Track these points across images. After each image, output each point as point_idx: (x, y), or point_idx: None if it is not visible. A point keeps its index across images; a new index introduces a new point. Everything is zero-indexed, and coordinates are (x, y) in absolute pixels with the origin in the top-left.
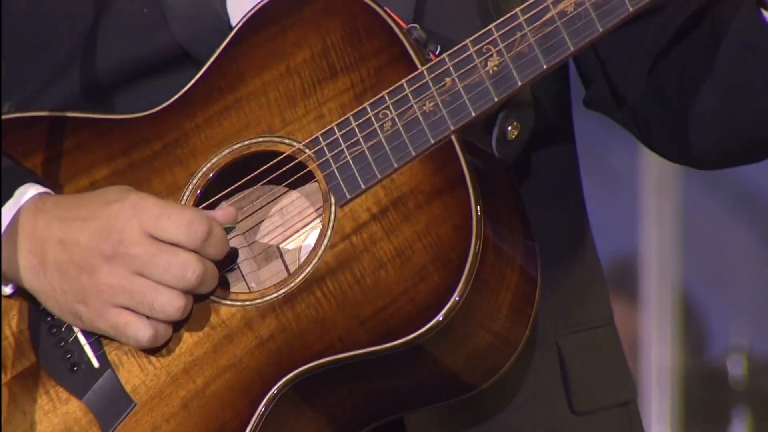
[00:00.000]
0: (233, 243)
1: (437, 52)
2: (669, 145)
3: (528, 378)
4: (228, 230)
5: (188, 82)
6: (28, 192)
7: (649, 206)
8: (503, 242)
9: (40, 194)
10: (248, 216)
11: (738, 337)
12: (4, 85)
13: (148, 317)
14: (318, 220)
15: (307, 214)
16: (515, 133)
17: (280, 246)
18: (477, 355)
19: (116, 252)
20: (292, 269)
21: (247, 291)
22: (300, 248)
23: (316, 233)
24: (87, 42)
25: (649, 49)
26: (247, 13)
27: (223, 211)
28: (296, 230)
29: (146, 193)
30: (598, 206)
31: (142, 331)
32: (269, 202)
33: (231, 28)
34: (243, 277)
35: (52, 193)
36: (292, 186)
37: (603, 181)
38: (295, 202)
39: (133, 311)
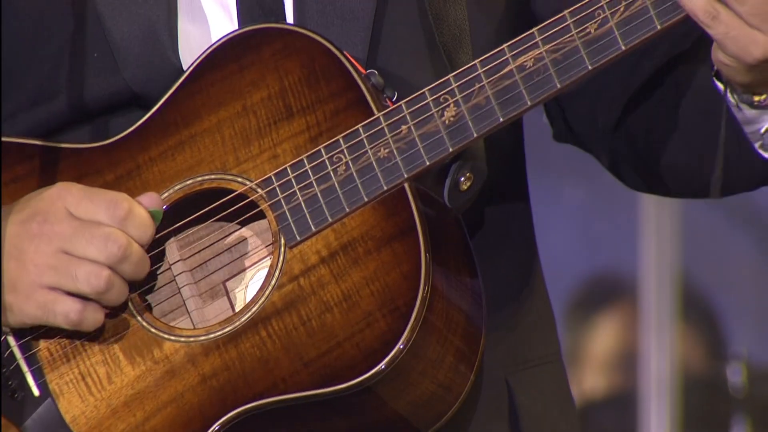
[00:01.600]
0: (181, 280)
1: (394, 99)
2: (637, 181)
3: (477, 415)
4: (155, 216)
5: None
6: None
7: (648, 215)
8: (451, 292)
9: None
10: (197, 252)
11: (737, 346)
12: None
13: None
14: (267, 259)
15: (256, 253)
16: (468, 184)
17: (227, 284)
18: (420, 402)
19: (41, 230)
20: (237, 308)
21: (192, 327)
22: (246, 287)
23: (264, 273)
24: (49, 81)
25: (612, 102)
26: (206, 49)
27: (148, 195)
28: (244, 269)
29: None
30: (597, 215)
31: (69, 305)
32: (219, 239)
33: (182, 72)
34: (188, 313)
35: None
36: (243, 224)
37: (603, 189)
38: (245, 240)
39: (62, 292)
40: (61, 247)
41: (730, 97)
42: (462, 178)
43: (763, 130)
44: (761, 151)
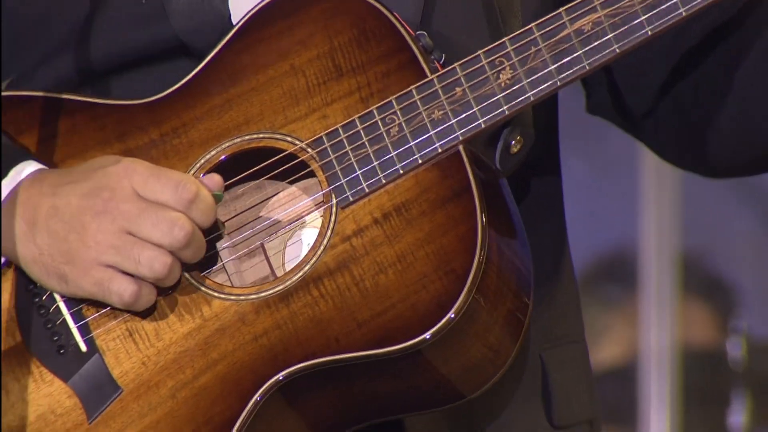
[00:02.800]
0: (220, 242)
1: (442, 62)
2: (682, 155)
3: (513, 390)
4: (216, 198)
5: (182, 75)
6: (26, 169)
7: (648, 188)
8: (503, 255)
9: (38, 170)
10: (240, 213)
11: (737, 319)
12: (3, 63)
13: (133, 276)
14: (314, 220)
15: (303, 213)
16: (518, 147)
17: (267, 245)
18: (470, 365)
19: (106, 208)
20: (277, 270)
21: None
22: (285, 249)
23: (307, 233)
24: (84, 26)
25: (661, 62)
26: (254, 6)
27: (210, 178)
28: (289, 230)
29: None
30: (598, 189)
31: (125, 285)
32: (264, 200)
33: (232, 25)
34: (227, 274)
35: (48, 169)
36: (290, 184)
37: (603, 163)
38: (291, 200)
39: (119, 271)
40: (125, 227)
41: None
42: (513, 142)
43: None
44: None
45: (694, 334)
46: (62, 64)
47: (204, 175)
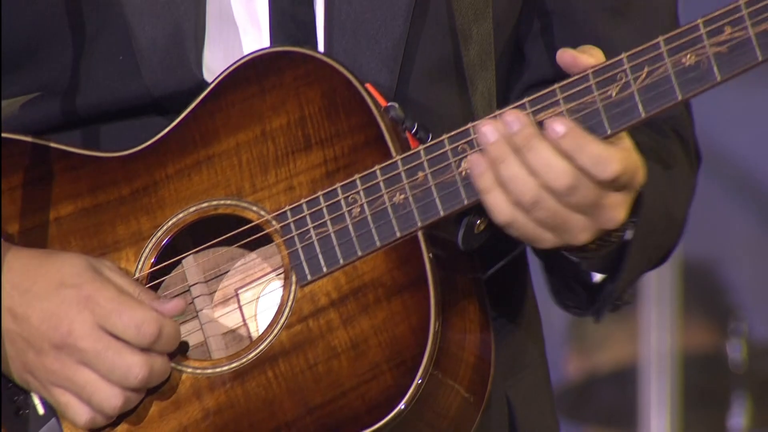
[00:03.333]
0: (198, 303)
1: (413, 131)
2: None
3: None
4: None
5: (155, 132)
6: None
7: None
8: (460, 345)
9: None
10: (215, 277)
11: (738, 322)
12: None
13: None
14: (277, 289)
15: (268, 281)
16: (482, 226)
17: (239, 294)
18: None
19: (64, 342)
20: (251, 327)
21: (208, 352)
22: (257, 300)
23: (271, 302)
24: (70, 71)
25: None
26: (229, 66)
27: (172, 305)
28: (254, 280)
29: (100, 283)
30: None
31: (80, 414)
32: (235, 263)
33: (206, 85)
34: (205, 338)
35: (10, 252)
36: (255, 250)
37: None
38: (258, 265)
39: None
40: (83, 362)
41: None
42: (477, 221)
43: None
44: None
45: (694, 337)
46: (49, 105)
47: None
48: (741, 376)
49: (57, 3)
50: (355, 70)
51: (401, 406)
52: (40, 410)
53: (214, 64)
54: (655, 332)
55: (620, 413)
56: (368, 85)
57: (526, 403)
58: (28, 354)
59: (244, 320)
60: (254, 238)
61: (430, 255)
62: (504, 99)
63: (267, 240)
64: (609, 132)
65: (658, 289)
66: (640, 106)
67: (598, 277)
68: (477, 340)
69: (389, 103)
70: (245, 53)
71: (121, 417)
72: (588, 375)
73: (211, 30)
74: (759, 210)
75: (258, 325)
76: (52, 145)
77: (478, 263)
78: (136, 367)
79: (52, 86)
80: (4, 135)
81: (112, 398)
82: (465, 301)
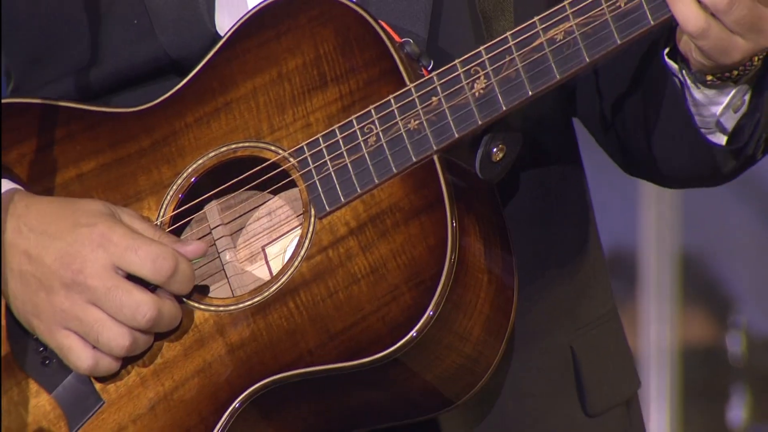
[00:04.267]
0: (221, 244)
1: (429, 68)
2: (626, 168)
3: (544, 383)
4: (194, 262)
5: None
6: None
7: (648, 186)
8: (479, 265)
9: (11, 190)
10: (237, 217)
11: (737, 315)
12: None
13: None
14: (298, 228)
15: (290, 221)
16: (500, 155)
17: (266, 249)
18: (446, 375)
19: (75, 281)
20: (273, 266)
21: (230, 293)
22: (284, 254)
23: (294, 235)
24: (84, 48)
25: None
26: (244, 15)
27: (193, 247)
28: (280, 235)
29: (112, 222)
30: (597, 185)
31: (82, 359)
32: (257, 206)
33: (218, 38)
34: (227, 279)
35: (23, 190)
36: (279, 191)
37: (602, 159)
38: (280, 207)
39: (82, 338)
40: (92, 300)
41: (687, 78)
42: (494, 149)
43: (719, 112)
44: (712, 138)
45: (693, 330)
46: (64, 86)
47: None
48: (740, 370)
49: None
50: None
51: (424, 319)
52: None
53: (227, 19)
54: (654, 325)
55: None
56: (382, 23)
57: (592, 357)
58: (39, 294)
59: (266, 260)
60: (272, 175)
61: (447, 178)
62: None
63: (290, 181)
64: (619, 42)
65: (657, 283)
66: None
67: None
68: (498, 266)
69: (404, 39)
70: (250, 7)
71: (148, 360)
72: None
73: None
74: (758, 203)
75: (280, 264)
76: (69, 105)
77: (500, 201)
78: (144, 305)
79: (78, 64)
80: (19, 100)
81: (119, 337)
82: (485, 229)
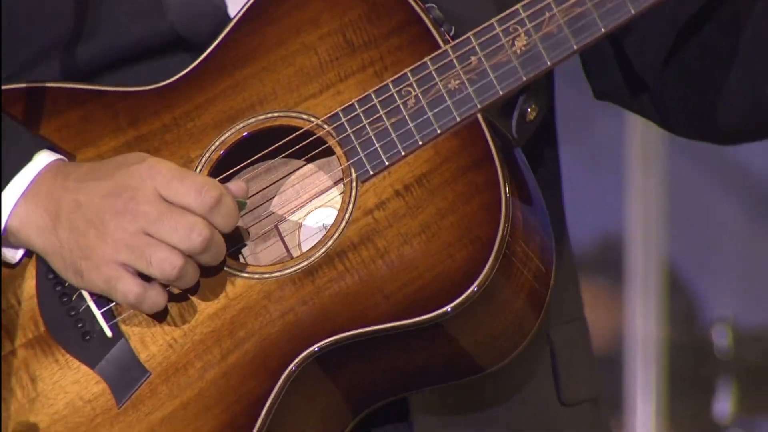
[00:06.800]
0: (241, 220)
1: (452, 34)
2: (692, 123)
3: (523, 369)
4: (240, 205)
5: (181, 69)
6: (45, 158)
7: (634, 178)
8: (526, 223)
9: (57, 160)
10: (260, 191)
11: (723, 308)
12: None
13: (143, 279)
14: (332, 196)
15: (319, 190)
16: (533, 114)
17: (282, 225)
18: (496, 334)
19: (126, 208)
20: (291, 248)
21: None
22: (299, 229)
23: (323, 212)
24: (83, 21)
25: (667, 28)
26: None
27: (236, 185)
28: (307, 208)
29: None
30: (583, 179)
31: (130, 286)
32: (283, 177)
33: (229, 17)
34: (245, 259)
35: (67, 160)
36: (306, 161)
37: (588, 153)
38: (310, 177)
39: (131, 271)
40: (144, 227)
41: None
42: (528, 109)
43: None
44: None
45: (679, 323)
46: (60, 60)
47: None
48: (727, 363)
49: None
50: None
51: (483, 276)
52: (108, 333)
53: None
54: (641, 318)
55: (606, 399)
56: None
57: (567, 348)
58: (89, 233)
59: (302, 228)
60: (307, 144)
61: (492, 135)
62: None
63: (321, 151)
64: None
65: (644, 274)
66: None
67: None
68: (539, 226)
69: (428, 5)
70: None
71: (193, 329)
72: None
73: None
74: (744, 196)
75: (311, 235)
76: (85, 87)
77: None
78: (198, 225)
79: (75, 37)
80: (31, 85)
81: (172, 257)
82: (526, 188)
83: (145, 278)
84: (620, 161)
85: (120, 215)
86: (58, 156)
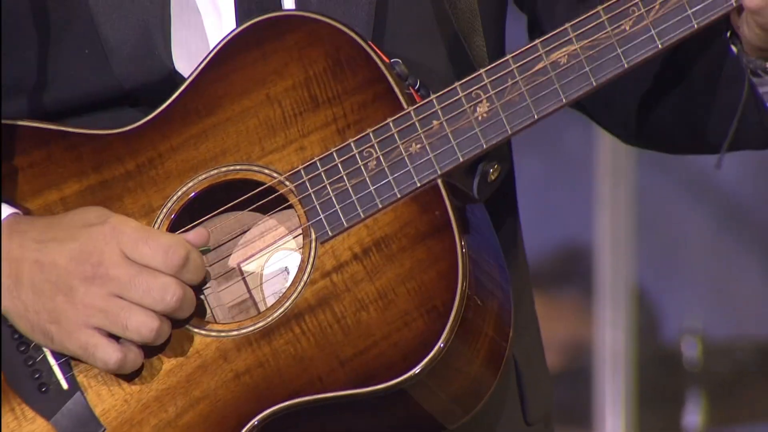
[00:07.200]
0: (209, 258)
1: (417, 87)
2: (639, 139)
3: (492, 392)
4: (203, 252)
5: (129, 121)
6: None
7: (603, 190)
8: (484, 288)
9: (12, 215)
10: (223, 236)
11: (692, 320)
12: None
13: (119, 342)
14: (290, 250)
15: (276, 241)
16: (495, 174)
17: (247, 277)
18: (453, 398)
19: (95, 273)
20: (258, 301)
21: (210, 314)
22: (263, 275)
23: (284, 261)
24: (36, 67)
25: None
26: (228, 34)
27: (197, 234)
28: (273, 248)
29: (125, 216)
30: (552, 190)
31: (110, 353)
32: (246, 224)
33: (176, 73)
34: (206, 299)
35: (21, 213)
36: (262, 215)
37: (557, 165)
38: (272, 224)
39: (106, 334)
40: (115, 291)
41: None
42: (490, 170)
43: None
44: None
45: (649, 335)
46: (17, 103)
47: (179, 227)
48: (696, 374)
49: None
50: None
51: (440, 345)
52: (64, 385)
53: (183, 54)
54: (609, 330)
55: (575, 411)
56: (371, 43)
57: (528, 362)
58: (56, 299)
59: (263, 269)
60: (268, 200)
61: (452, 201)
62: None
63: (280, 204)
64: (626, 66)
65: (612, 286)
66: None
67: None
68: (498, 285)
69: (392, 60)
70: (212, 39)
71: (150, 385)
72: None
73: (176, 23)
74: (713, 208)
75: (262, 282)
76: (50, 126)
77: (491, 224)
78: (171, 286)
79: (19, 84)
80: (4, 121)
81: (148, 321)
82: (485, 250)
83: (114, 337)
84: (589, 173)
85: (89, 281)
86: (13, 210)
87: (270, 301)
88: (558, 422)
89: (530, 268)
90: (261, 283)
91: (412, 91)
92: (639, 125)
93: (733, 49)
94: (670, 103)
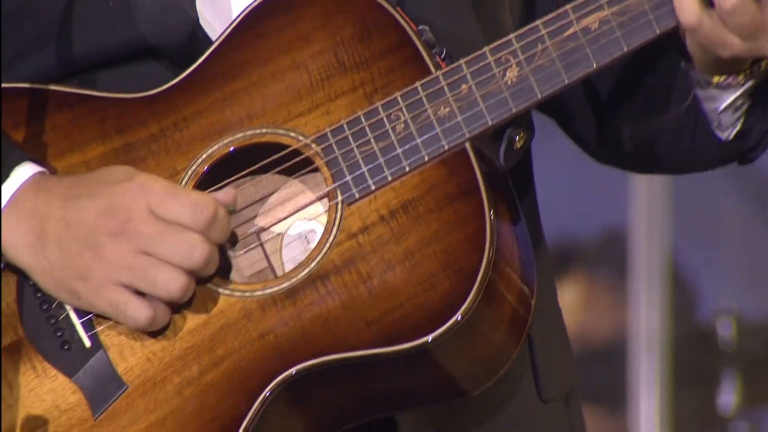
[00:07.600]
0: (236, 220)
1: (443, 56)
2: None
3: (505, 375)
4: (230, 212)
5: (153, 78)
6: (26, 172)
7: None
8: (510, 253)
9: (39, 173)
10: (246, 202)
11: (728, 300)
12: None
13: (147, 298)
14: (314, 216)
15: (304, 208)
16: (521, 143)
17: (266, 242)
18: (476, 362)
19: (123, 229)
20: (275, 267)
21: (230, 277)
22: (281, 248)
23: (306, 229)
24: (60, 22)
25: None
26: (254, 1)
27: (225, 193)
28: (294, 219)
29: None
30: (588, 170)
31: (141, 310)
32: (269, 190)
33: (200, 28)
34: (227, 261)
35: (47, 172)
36: (287, 177)
37: None
38: (296, 191)
39: (134, 291)
40: (142, 248)
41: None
42: (516, 137)
43: (720, 109)
44: (717, 132)
45: (684, 315)
46: (42, 57)
47: (213, 187)
48: (731, 355)
49: None
50: None
51: (465, 308)
52: (87, 343)
53: (206, 8)
54: (645, 310)
55: (609, 391)
56: (398, 9)
57: (545, 344)
58: (83, 255)
59: (283, 237)
60: (293, 163)
61: (480, 165)
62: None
63: (304, 169)
64: (657, 32)
65: (647, 267)
66: None
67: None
68: (523, 252)
69: (420, 27)
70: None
71: (173, 344)
72: (577, 353)
73: None
74: (748, 188)
75: (281, 247)
76: (74, 90)
77: (515, 193)
78: (199, 243)
79: (46, 40)
80: (16, 85)
81: (177, 277)
82: (510, 216)
83: (141, 294)
84: None
85: (117, 236)
86: (39, 168)
87: (288, 268)
88: (593, 401)
89: (566, 250)
90: (280, 249)
91: (439, 59)
92: (598, 140)
93: (683, 63)
94: (625, 118)
